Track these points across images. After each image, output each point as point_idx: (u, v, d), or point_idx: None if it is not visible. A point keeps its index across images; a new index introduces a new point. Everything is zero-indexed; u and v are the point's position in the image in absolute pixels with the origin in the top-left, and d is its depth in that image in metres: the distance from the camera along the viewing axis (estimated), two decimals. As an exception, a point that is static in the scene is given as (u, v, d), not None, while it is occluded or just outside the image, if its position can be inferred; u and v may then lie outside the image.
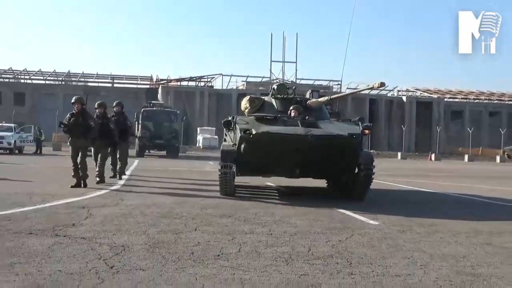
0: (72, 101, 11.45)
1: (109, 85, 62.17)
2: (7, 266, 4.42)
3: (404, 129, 58.12)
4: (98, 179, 12.00)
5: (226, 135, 11.47)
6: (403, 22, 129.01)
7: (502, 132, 53.97)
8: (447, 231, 7.11)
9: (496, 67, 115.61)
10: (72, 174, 11.16)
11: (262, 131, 9.33)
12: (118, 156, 13.53)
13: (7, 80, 61.89)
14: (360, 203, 9.85)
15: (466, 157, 48.84)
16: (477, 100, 71.50)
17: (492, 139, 59.37)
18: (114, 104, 14.10)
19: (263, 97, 11.86)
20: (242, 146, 9.50)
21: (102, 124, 12.15)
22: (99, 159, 12.37)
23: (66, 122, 11.16)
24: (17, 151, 29.35)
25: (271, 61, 65.06)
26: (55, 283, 3.97)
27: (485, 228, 7.56)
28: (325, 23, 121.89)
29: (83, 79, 63.52)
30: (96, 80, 64.22)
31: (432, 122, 62.42)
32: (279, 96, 11.18)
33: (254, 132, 9.29)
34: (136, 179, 14.26)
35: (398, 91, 69.12)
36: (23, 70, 63.06)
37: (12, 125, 30.07)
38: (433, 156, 48.59)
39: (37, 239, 5.58)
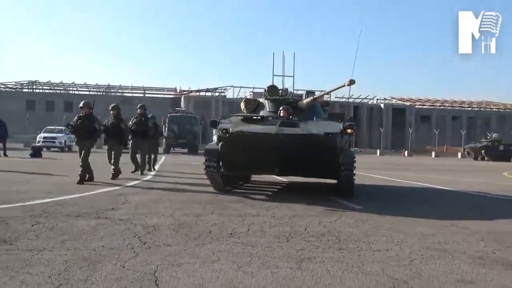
0: (80, 105, 10.51)
1: (141, 95, 62.16)
2: (60, 242, 4.44)
3: (382, 130, 58.05)
4: (112, 173, 10.94)
5: (214, 134, 10.93)
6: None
7: (463, 133, 53.88)
8: (420, 214, 7.07)
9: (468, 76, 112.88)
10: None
11: (236, 130, 8.25)
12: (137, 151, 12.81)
13: (58, 91, 62.01)
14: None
15: (433, 153, 48.71)
16: (442, 107, 71.34)
17: (454, 139, 59.06)
18: (137, 107, 13.30)
19: (259, 99, 10.60)
20: (220, 144, 8.69)
21: (114, 125, 11.37)
22: (113, 156, 11.30)
23: (74, 124, 10.20)
24: (66, 149, 29.57)
25: (273, 75, 64.39)
26: (99, 256, 3.97)
27: (450, 213, 7.53)
28: (317, 42, 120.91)
29: (120, 91, 63.56)
30: (131, 91, 64.22)
31: (405, 125, 62.30)
32: (270, 97, 9.81)
33: (230, 131, 8.26)
34: (164, 172, 14.25)
35: (377, 99, 69.09)
36: (71, 83, 63.20)
37: (63, 128, 30.17)
38: (406, 152, 48.53)
39: (83, 221, 5.59)
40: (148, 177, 11.97)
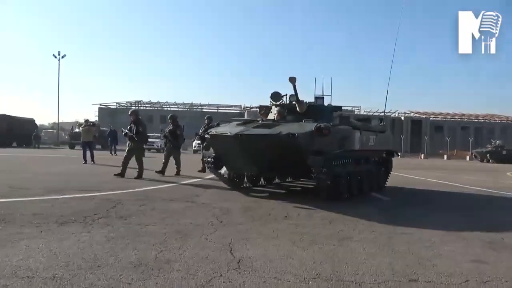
0: (129, 113, 9.60)
1: (216, 110, 63.38)
2: (160, 219, 4.59)
3: (402, 137, 55.78)
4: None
5: None
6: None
7: (471, 140, 50.89)
8: (440, 205, 6.71)
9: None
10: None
11: (212, 132, 7.04)
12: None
13: (156, 108, 64.63)
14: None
15: (445, 156, 46.13)
16: (452, 119, 67.62)
17: (463, 145, 55.67)
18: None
19: (271, 105, 8.32)
20: (204, 145, 7.71)
21: (172, 131, 10.21)
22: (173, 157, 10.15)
23: (127, 131, 9.37)
24: (162, 150, 30.56)
25: (315, 96, 64.27)
26: (188, 230, 4.07)
27: (468, 205, 7.10)
28: (349, 68, 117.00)
29: (200, 107, 65.14)
30: (208, 108, 65.68)
31: (422, 134, 59.54)
32: (275, 103, 7.84)
33: (210, 133, 7.13)
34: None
35: (398, 113, 66.61)
36: (165, 102, 65.55)
37: (159, 135, 31.34)
38: (422, 155, 46.34)
39: (176, 204, 5.75)
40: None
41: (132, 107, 63.97)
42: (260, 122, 7.26)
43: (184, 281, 2.65)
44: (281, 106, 7.61)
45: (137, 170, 9.10)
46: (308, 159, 6.03)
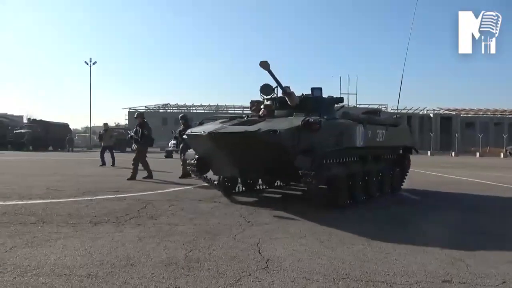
0: (135, 116, 9.48)
1: (241, 111, 63.67)
2: (189, 219, 4.65)
3: (431, 135, 54.12)
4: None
5: None
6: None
7: (505, 137, 48.57)
8: (471, 204, 6.47)
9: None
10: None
11: (188, 132, 6.34)
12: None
13: (183, 110, 65.76)
14: (409, 185, 8.29)
15: (477, 154, 44.36)
16: (484, 115, 64.96)
17: (496, 142, 53.37)
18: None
19: (262, 99, 7.01)
20: (181, 147, 6.74)
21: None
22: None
23: (132, 134, 9.43)
24: (176, 152, 30.92)
25: (340, 93, 63.72)
26: (216, 230, 4.10)
27: (484, 203, 6.81)
28: (373, 67, 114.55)
29: (225, 109, 65.63)
30: (234, 110, 66.07)
31: (452, 131, 57.55)
32: (265, 96, 6.58)
33: (186, 133, 6.45)
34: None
35: (427, 110, 64.71)
36: (192, 105, 66.45)
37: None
38: (453, 153, 44.80)
39: (204, 204, 5.81)
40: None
41: (164, 109, 65.42)
42: (245, 119, 6.32)
43: (213, 280, 2.67)
44: (272, 100, 6.60)
45: (144, 171, 9.19)
46: (296, 159, 5.00)
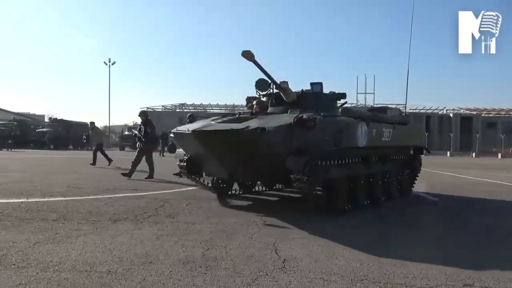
0: (138, 114, 9.56)
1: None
2: (206, 218, 4.69)
3: (451, 135, 53.00)
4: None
5: None
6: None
7: (528, 138, 47.26)
8: (490, 207, 6.31)
9: None
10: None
11: (173, 130, 5.93)
12: None
13: (199, 110, 66.18)
14: (428, 186, 8.35)
15: (499, 155, 43.18)
16: (507, 115, 63.17)
17: (520, 143, 51.92)
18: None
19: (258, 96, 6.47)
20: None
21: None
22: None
23: (136, 132, 9.37)
24: None
25: (357, 93, 62.96)
26: (233, 229, 4.11)
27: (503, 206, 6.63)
28: (388, 67, 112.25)
29: (241, 109, 65.76)
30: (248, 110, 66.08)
31: (472, 131, 56.21)
32: (260, 92, 6.15)
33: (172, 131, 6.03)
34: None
35: (447, 110, 63.37)
36: (208, 104, 66.91)
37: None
38: (473, 154, 43.78)
39: (219, 203, 5.84)
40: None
41: (180, 109, 66.07)
42: (236, 116, 5.81)
43: (231, 279, 2.68)
44: (268, 95, 6.15)
45: (147, 171, 9.08)
46: (287, 160, 4.51)
